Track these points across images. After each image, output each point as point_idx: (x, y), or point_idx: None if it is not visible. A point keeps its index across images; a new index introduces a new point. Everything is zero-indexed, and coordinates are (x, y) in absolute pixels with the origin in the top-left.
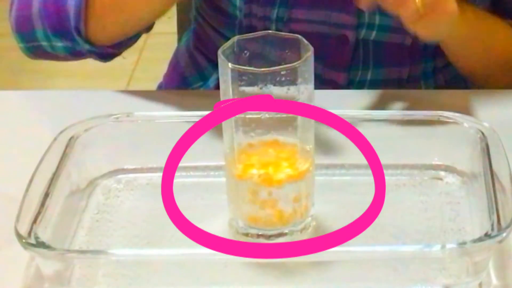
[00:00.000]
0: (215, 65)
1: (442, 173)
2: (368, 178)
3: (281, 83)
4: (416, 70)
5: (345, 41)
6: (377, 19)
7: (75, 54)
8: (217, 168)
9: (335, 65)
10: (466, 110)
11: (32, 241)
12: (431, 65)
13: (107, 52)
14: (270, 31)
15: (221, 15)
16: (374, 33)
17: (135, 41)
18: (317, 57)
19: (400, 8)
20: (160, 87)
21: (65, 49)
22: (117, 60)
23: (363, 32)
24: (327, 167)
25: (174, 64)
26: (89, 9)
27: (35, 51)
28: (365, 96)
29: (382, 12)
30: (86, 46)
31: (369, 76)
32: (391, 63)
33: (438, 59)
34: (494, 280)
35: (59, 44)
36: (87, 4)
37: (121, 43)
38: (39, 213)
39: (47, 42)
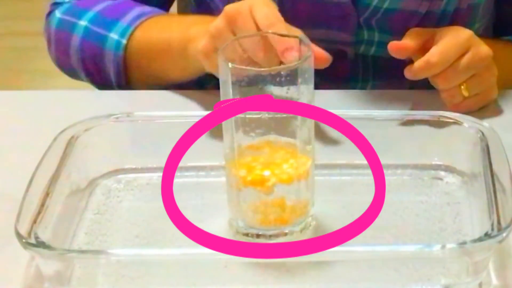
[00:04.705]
0: None
1: (442, 173)
2: (368, 178)
3: (281, 83)
4: (417, 81)
5: (344, 56)
6: (377, 36)
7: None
8: (217, 168)
9: (333, 78)
10: None
11: (32, 241)
12: None
13: None
14: (270, 31)
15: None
16: (373, 49)
17: None
18: (314, 71)
19: (446, 93)
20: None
21: None
22: None
23: (362, 48)
24: (327, 167)
25: None
26: (127, 72)
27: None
28: (366, 96)
29: (381, 29)
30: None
31: (368, 87)
32: (391, 75)
33: None
34: (494, 280)
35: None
36: (125, 69)
37: None
38: (39, 213)
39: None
